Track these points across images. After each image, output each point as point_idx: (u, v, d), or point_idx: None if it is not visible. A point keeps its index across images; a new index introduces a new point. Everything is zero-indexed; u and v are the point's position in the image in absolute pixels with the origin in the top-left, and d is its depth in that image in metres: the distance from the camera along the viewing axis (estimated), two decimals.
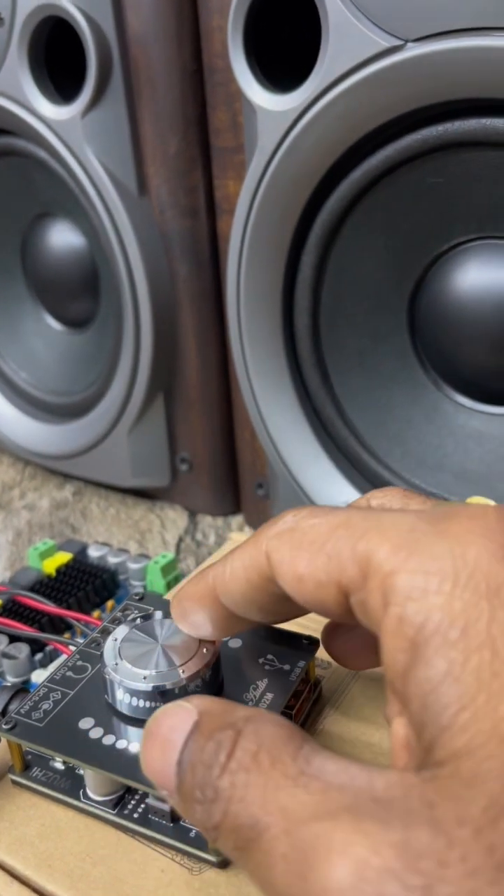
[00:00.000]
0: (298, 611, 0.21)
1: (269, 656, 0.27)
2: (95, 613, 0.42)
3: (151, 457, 0.53)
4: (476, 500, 0.23)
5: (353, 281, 0.39)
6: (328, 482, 0.42)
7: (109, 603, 0.43)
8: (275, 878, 0.14)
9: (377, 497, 0.23)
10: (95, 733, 0.24)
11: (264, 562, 0.19)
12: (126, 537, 0.52)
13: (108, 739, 0.24)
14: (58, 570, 0.44)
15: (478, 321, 0.37)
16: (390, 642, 0.16)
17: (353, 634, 0.24)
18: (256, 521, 0.52)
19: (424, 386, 0.40)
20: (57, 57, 0.46)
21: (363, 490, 0.41)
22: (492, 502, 0.23)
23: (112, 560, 0.45)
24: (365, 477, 0.42)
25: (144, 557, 0.45)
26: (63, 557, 0.45)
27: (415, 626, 0.15)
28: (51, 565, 0.44)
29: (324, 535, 0.18)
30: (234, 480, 0.53)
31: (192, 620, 0.23)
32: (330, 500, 0.42)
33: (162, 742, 0.17)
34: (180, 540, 0.52)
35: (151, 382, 0.50)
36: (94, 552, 0.46)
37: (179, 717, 0.17)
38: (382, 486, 0.41)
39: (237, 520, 0.53)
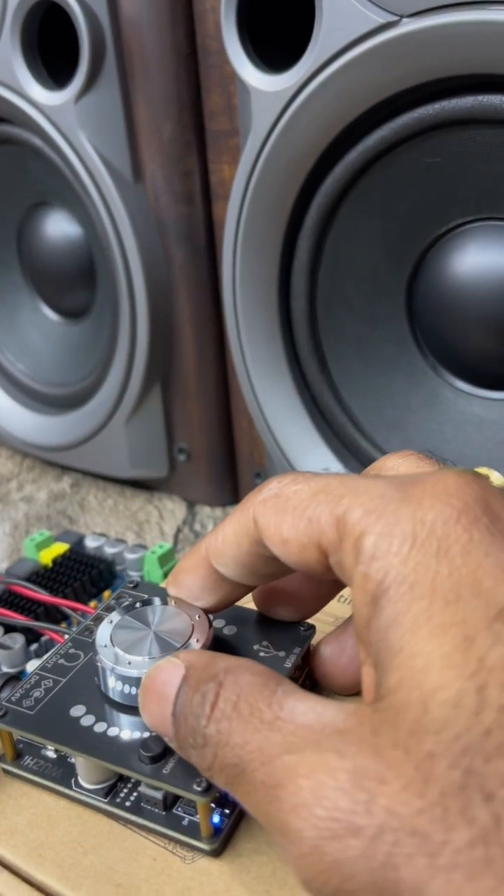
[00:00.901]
0: (286, 571, 0.23)
1: (265, 643, 0.26)
2: (92, 604, 0.41)
3: (149, 447, 0.53)
4: (481, 470, 0.23)
5: (350, 265, 0.39)
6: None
7: (106, 593, 0.42)
8: (258, 800, 0.16)
9: (392, 459, 0.24)
10: (87, 721, 0.23)
11: (252, 526, 0.21)
12: (124, 528, 0.52)
13: (100, 727, 0.23)
14: (54, 561, 0.44)
15: (477, 305, 0.37)
16: (357, 596, 0.18)
17: (338, 657, 0.25)
18: None
19: (423, 371, 0.40)
20: (50, 42, 0.46)
21: None
22: (496, 473, 0.22)
23: (109, 550, 0.45)
24: (363, 464, 0.41)
25: (141, 548, 0.44)
26: (60, 548, 0.44)
27: (375, 581, 0.17)
28: (47, 556, 0.44)
29: (305, 500, 0.19)
30: (232, 470, 0.52)
31: (187, 585, 0.24)
32: None
33: (157, 696, 0.19)
34: (178, 531, 0.51)
35: (148, 371, 0.49)
36: (90, 543, 0.46)
37: (170, 672, 0.19)
38: None
39: None
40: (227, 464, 0.52)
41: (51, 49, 0.46)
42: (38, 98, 0.45)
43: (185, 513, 0.53)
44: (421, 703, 0.15)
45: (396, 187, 0.36)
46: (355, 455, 0.42)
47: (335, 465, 0.42)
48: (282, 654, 0.26)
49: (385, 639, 0.17)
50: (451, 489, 0.17)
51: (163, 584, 0.29)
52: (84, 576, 0.42)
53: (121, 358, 0.50)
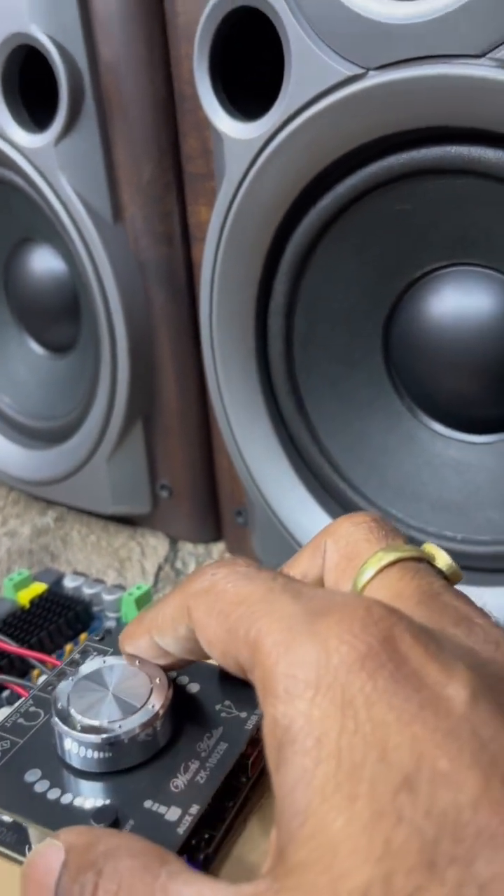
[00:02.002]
0: None
1: (227, 702, 0.26)
2: (68, 647, 0.41)
3: (131, 483, 0.53)
4: (429, 548, 0.22)
5: (326, 308, 0.39)
6: (304, 511, 0.42)
7: (83, 636, 0.42)
8: None
9: (345, 525, 0.23)
10: (41, 787, 0.23)
11: (187, 616, 0.21)
12: (105, 565, 0.52)
13: (54, 793, 0.23)
14: (32, 602, 0.43)
15: (452, 348, 0.37)
16: (266, 739, 0.17)
17: None
18: (237, 549, 0.51)
19: (400, 413, 0.40)
20: (31, 83, 0.46)
21: None
22: (444, 554, 0.22)
23: (87, 591, 0.44)
24: (341, 505, 0.41)
25: (120, 588, 0.44)
26: (38, 588, 0.44)
27: (282, 728, 0.16)
28: (25, 596, 0.43)
29: (229, 607, 0.19)
30: (214, 507, 0.52)
31: (137, 646, 0.25)
32: (305, 530, 0.41)
33: (38, 886, 0.18)
34: (160, 568, 0.51)
35: (129, 408, 0.49)
36: (69, 583, 0.45)
37: (50, 857, 0.18)
38: None
39: (218, 547, 0.53)
40: (208, 501, 0.52)
41: (32, 91, 0.46)
42: (19, 140, 0.45)
43: (167, 550, 0.53)
44: (330, 892, 0.14)
45: (370, 233, 0.36)
46: (332, 495, 0.42)
47: (313, 507, 0.41)
48: (243, 714, 0.25)
49: (291, 798, 0.16)
50: (357, 629, 0.17)
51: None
52: (60, 618, 0.42)
53: (102, 395, 0.50)
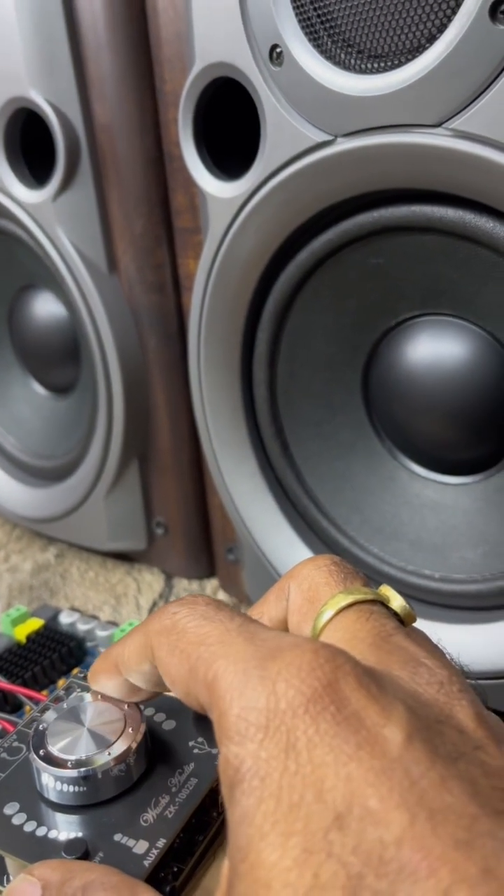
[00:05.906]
0: None
1: (200, 739, 0.27)
2: (61, 681, 0.42)
3: (128, 521, 0.54)
4: (385, 590, 0.23)
5: (307, 355, 0.40)
6: (289, 549, 0.43)
7: (75, 670, 0.43)
8: None
9: (307, 568, 0.25)
10: (18, 819, 0.24)
11: (151, 654, 0.22)
12: (101, 601, 0.53)
13: (30, 826, 0.24)
14: (28, 638, 0.45)
15: (427, 393, 0.38)
16: (221, 777, 0.18)
17: None
18: (230, 585, 0.52)
19: (381, 455, 0.41)
20: (31, 142, 0.49)
21: None
22: (398, 596, 0.23)
23: (81, 627, 0.46)
24: (325, 544, 0.42)
25: (113, 625, 0.45)
26: (34, 624, 0.46)
27: (233, 768, 0.18)
28: (22, 632, 0.45)
29: (191, 646, 0.20)
30: (207, 544, 0.53)
31: (105, 688, 0.26)
32: (291, 567, 0.42)
33: None
34: (154, 604, 0.52)
35: (125, 449, 0.51)
36: (65, 619, 0.47)
37: (26, 893, 0.20)
38: (340, 553, 0.41)
39: (212, 583, 0.54)
40: (202, 538, 0.53)
41: (31, 149, 0.49)
42: (20, 196, 0.48)
43: (162, 586, 0.54)
44: None
45: (345, 284, 0.37)
46: (318, 534, 0.43)
47: (298, 545, 0.43)
48: (215, 751, 0.27)
49: (237, 834, 0.17)
50: (304, 673, 0.18)
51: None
52: (54, 653, 0.43)
53: (99, 435, 0.51)
